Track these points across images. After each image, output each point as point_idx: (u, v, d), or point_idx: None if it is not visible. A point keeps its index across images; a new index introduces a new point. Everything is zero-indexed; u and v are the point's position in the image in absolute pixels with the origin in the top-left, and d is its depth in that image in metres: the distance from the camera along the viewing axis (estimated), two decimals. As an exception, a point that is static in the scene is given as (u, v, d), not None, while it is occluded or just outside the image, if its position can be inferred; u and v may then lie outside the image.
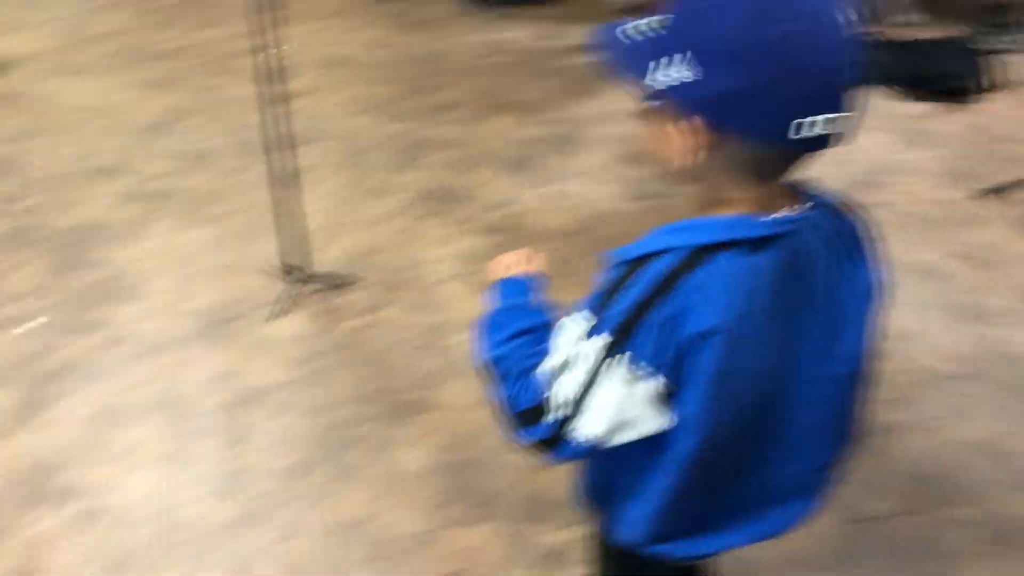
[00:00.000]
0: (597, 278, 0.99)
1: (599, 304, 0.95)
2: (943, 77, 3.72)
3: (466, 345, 2.39)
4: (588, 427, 0.97)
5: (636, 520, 1.11)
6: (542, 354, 1.05)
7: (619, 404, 0.95)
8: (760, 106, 0.85)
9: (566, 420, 0.99)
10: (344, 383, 2.26)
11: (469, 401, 2.23)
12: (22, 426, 2.10)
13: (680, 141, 0.90)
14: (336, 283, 2.55)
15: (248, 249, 2.68)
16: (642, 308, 0.92)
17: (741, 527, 1.11)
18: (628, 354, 0.93)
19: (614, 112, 3.54)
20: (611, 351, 0.94)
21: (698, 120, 0.87)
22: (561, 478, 2.02)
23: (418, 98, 3.53)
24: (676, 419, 0.98)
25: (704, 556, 1.16)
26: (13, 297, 2.46)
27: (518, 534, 1.91)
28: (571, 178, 3.12)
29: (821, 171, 0.99)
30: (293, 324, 2.43)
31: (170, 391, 2.21)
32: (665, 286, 0.91)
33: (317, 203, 2.87)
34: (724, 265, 0.90)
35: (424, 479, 2.02)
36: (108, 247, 2.67)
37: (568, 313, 1.01)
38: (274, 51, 2.25)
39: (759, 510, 1.08)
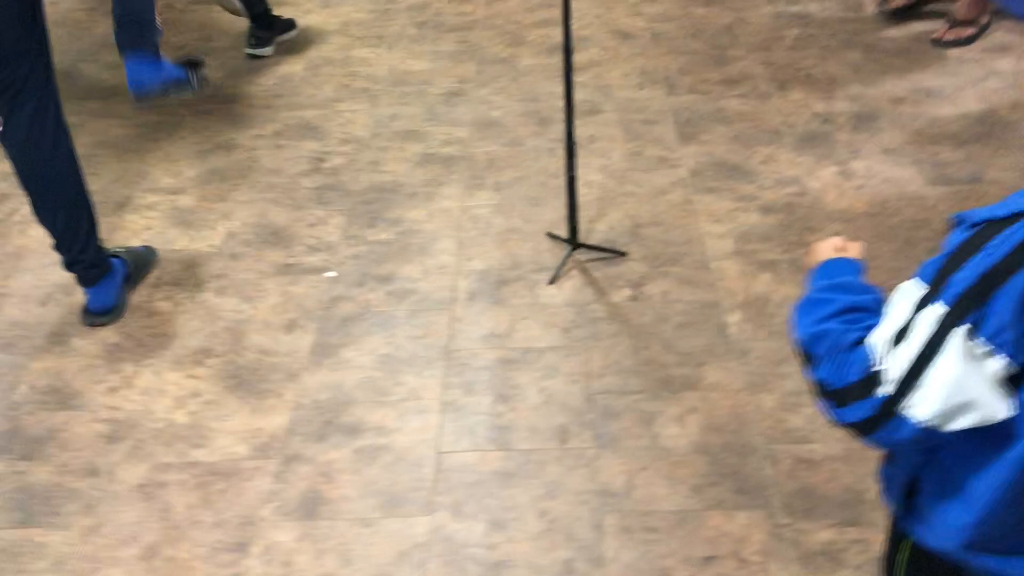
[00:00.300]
0: (944, 241, 0.92)
1: (942, 270, 0.88)
2: None
3: (739, 325, 2.32)
4: (921, 406, 0.90)
5: (953, 525, 1.01)
6: (870, 328, 1.00)
7: (957, 383, 0.88)
8: None
9: (894, 398, 0.92)
10: (611, 353, 2.26)
11: (738, 384, 2.16)
12: (316, 365, 2.30)
13: None
14: (611, 253, 2.56)
15: (530, 215, 2.75)
16: (996, 277, 0.85)
17: None
18: (972, 327, 0.86)
19: (917, 91, 3.26)
20: (952, 322, 0.86)
21: None
22: (837, 474, 1.92)
23: (704, 71, 3.44)
24: (1019, 408, 0.89)
25: None
26: (320, 247, 2.70)
27: (782, 527, 1.83)
28: (863, 159, 2.91)
29: None
30: (566, 291, 2.47)
31: (448, 344, 2.32)
32: (1013, 258, 0.84)
33: (595, 174, 2.89)
34: None
35: (686, 457, 1.99)
36: (401, 207, 2.84)
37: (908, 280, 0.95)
38: (566, 25, 2.28)
39: None
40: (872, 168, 2.87)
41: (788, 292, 2.40)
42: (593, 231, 2.65)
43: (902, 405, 0.91)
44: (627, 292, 2.45)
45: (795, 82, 3.35)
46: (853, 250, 1.17)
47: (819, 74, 3.39)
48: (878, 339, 0.96)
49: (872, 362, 0.95)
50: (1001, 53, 3.45)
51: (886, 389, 0.92)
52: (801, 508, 1.87)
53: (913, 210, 2.67)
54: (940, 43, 3.53)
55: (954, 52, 3.48)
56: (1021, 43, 3.51)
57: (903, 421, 0.92)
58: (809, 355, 1.06)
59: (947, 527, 1.01)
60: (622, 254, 2.57)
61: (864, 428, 0.96)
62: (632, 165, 2.95)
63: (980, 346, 0.87)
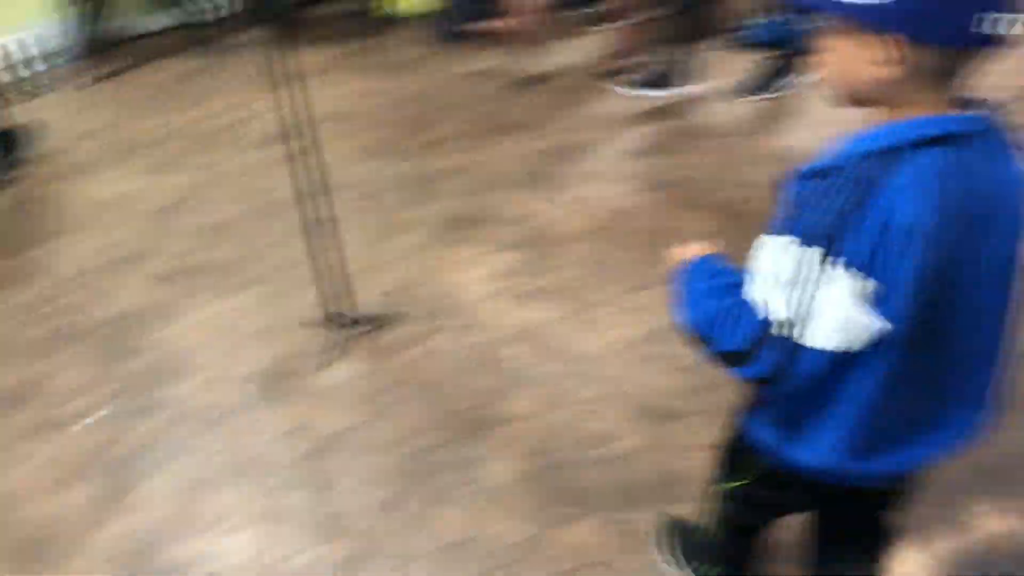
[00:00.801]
0: (785, 197, 1.06)
1: (799, 217, 1.02)
2: None
3: (518, 357, 2.43)
4: (818, 336, 1.03)
5: (826, 440, 1.14)
6: (742, 293, 1.13)
7: (843, 307, 1.01)
8: (949, 9, 0.96)
9: (792, 336, 1.04)
10: (413, 414, 2.29)
11: (536, 407, 2.26)
12: (112, 514, 2.12)
13: (875, 58, 1.00)
14: (380, 322, 2.59)
15: (287, 305, 2.72)
16: (848, 211, 0.98)
17: (928, 439, 1.16)
18: (843, 259, 0.99)
19: (607, 116, 3.62)
20: (822, 258, 1.00)
21: (896, 35, 0.98)
22: (647, 462, 2.07)
23: (419, 135, 3.59)
24: (886, 322, 1.03)
25: (891, 473, 1.21)
26: (70, 394, 2.49)
27: (621, 522, 1.94)
28: (584, 183, 3.18)
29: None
30: (348, 368, 2.46)
31: (245, 454, 2.24)
32: (868, 188, 0.98)
33: (346, 249, 2.92)
34: (921, 162, 0.99)
35: (515, 488, 2.05)
36: (151, 330, 2.70)
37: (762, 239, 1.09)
38: (270, 115, 2.31)
39: (943, 418, 1.12)
40: (595, 190, 3.13)
41: (551, 314, 2.56)
42: (356, 305, 2.67)
43: (804, 339, 1.03)
44: (408, 354, 2.49)
45: (502, 131, 3.59)
46: (703, 250, 1.30)
47: (522, 120, 3.66)
48: (758, 292, 1.08)
49: (760, 314, 1.06)
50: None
51: (782, 330, 1.04)
52: (628, 501, 1.99)
53: (639, 217, 2.95)
54: (602, 76, 3.93)
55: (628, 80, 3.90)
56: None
57: (809, 352, 1.03)
58: (705, 337, 1.16)
59: (823, 440, 1.15)
60: (391, 319, 2.61)
61: (776, 374, 1.07)
62: (376, 235, 3.01)
63: (853, 273, 0.99)
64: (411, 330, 2.57)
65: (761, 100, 3.60)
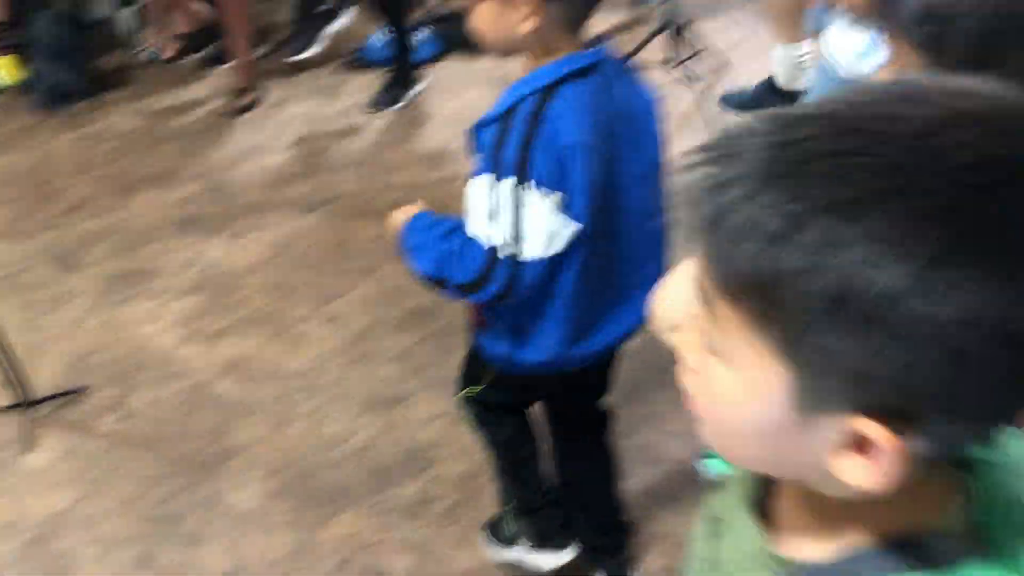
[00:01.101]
0: (478, 142, 1.28)
1: (493, 158, 1.20)
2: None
3: (232, 389, 2.42)
4: (532, 248, 1.24)
5: (553, 331, 1.35)
6: (463, 232, 1.31)
7: (544, 219, 1.22)
8: None
9: (514, 254, 1.24)
10: (136, 472, 2.19)
11: (265, 430, 2.28)
12: None
13: (517, 16, 1.21)
14: (69, 396, 2.43)
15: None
16: (526, 142, 1.20)
17: (620, 319, 1.40)
18: (532, 181, 1.19)
19: (247, 150, 3.64)
20: (519, 184, 1.20)
21: None
22: (386, 444, 2.18)
23: (50, 206, 3.35)
24: (575, 223, 1.26)
25: (602, 351, 1.44)
26: None
27: (380, 502, 2.04)
28: (243, 217, 3.18)
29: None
30: (49, 449, 2.29)
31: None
32: (535, 121, 1.21)
33: (7, 336, 2.68)
34: (570, 92, 1.22)
35: (267, 507, 2.06)
36: None
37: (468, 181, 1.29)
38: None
39: (628, 301, 1.37)
40: (256, 222, 3.15)
41: (252, 343, 2.56)
42: (39, 384, 2.47)
43: (521, 254, 1.24)
44: (111, 419, 2.37)
45: (143, 183, 3.46)
46: (415, 208, 1.45)
47: (154, 172, 3.55)
48: (477, 227, 1.27)
49: (484, 244, 1.26)
50: (279, 107, 4.00)
51: (505, 252, 1.24)
52: (381, 483, 2.09)
53: (303, 238, 3.02)
54: (229, 113, 3.94)
55: (246, 116, 3.93)
56: (292, 95, 4.10)
57: (528, 264, 1.25)
58: (441, 278, 1.34)
59: (549, 335, 1.35)
60: (82, 390, 2.46)
61: (506, 289, 1.27)
62: (36, 313, 2.79)
63: (542, 190, 1.22)
64: (106, 395, 2.44)
65: (393, 110, 3.83)
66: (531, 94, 1.24)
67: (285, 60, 4.08)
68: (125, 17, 4.85)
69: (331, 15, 3.75)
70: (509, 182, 1.23)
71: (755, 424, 0.54)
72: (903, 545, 0.55)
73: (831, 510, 0.58)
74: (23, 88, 4.23)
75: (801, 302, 0.47)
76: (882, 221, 0.45)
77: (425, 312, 2.59)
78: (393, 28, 3.79)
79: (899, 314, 0.45)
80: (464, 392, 1.62)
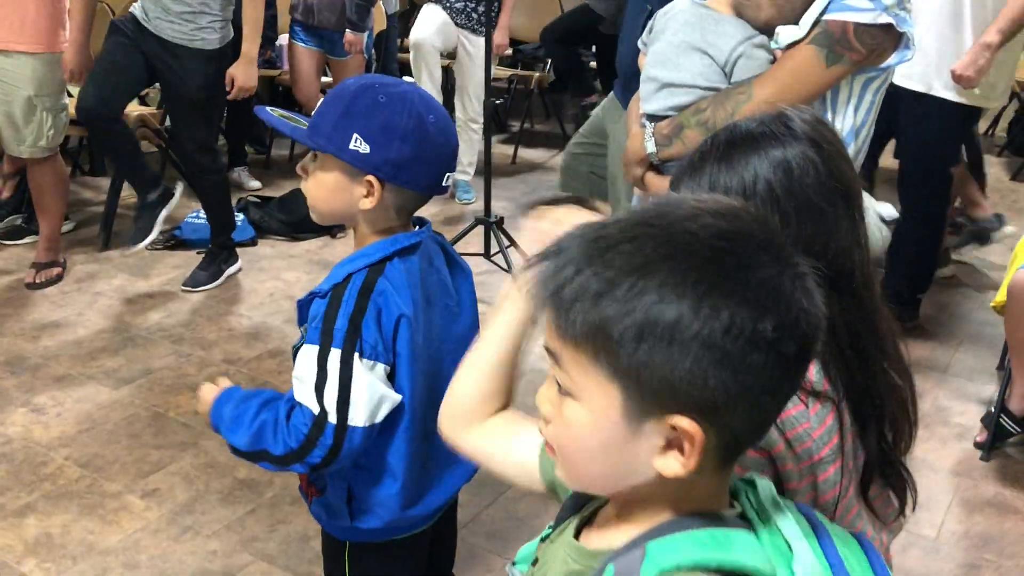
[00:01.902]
0: (307, 314, 1.36)
1: (323, 328, 1.29)
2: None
3: (40, 568, 2.25)
4: (358, 416, 1.30)
5: (388, 497, 1.41)
6: (288, 401, 1.33)
7: (369, 389, 1.30)
8: (424, 168, 1.34)
9: (340, 421, 1.29)
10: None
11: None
12: None
13: (359, 192, 1.33)
14: None
15: None
16: (356, 315, 1.30)
17: (452, 476, 1.49)
18: (360, 351, 1.29)
19: (50, 323, 3.51)
20: (349, 354, 1.29)
21: (373, 178, 1.32)
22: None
23: None
24: (400, 392, 1.35)
25: (438, 508, 1.50)
26: None
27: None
28: (42, 391, 3.04)
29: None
30: None
31: None
32: (364, 294, 1.31)
33: None
34: (396, 268, 1.35)
35: None
36: None
37: (297, 348, 1.36)
38: None
39: (457, 461, 1.43)
40: (57, 396, 3.01)
41: (63, 519, 2.41)
42: None
43: (347, 422, 1.30)
44: None
45: (-78, 356, 3.23)
46: (223, 384, 1.46)
47: (-59, 342, 3.34)
48: (303, 394, 1.32)
49: (312, 411, 1.31)
50: (87, 281, 3.91)
51: (331, 419, 1.30)
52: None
53: (116, 411, 2.92)
54: (34, 286, 3.81)
55: (51, 290, 3.81)
56: (101, 269, 4.03)
57: (353, 431, 1.31)
58: (260, 451, 1.36)
59: (384, 502, 1.42)
60: None
61: (331, 455, 1.32)
62: None
63: (368, 361, 1.31)
64: None
65: (209, 288, 3.83)
66: (362, 269, 1.34)
67: (127, 251, 3.98)
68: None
69: (166, 197, 3.77)
70: (337, 352, 1.29)
71: (600, 442, 0.74)
72: (698, 515, 0.75)
73: (638, 504, 0.78)
74: None
75: (620, 337, 0.69)
76: (666, 274, 0.68)
77: (252, 484, 2.56)
78: (212, 209, 3.86)
79: (684, 334, 0.67)
80: None
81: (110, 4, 5.14)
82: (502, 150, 5.95)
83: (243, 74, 3.58)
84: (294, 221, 4.37)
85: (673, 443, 0.72)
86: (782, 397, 0.74)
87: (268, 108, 1.46)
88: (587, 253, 0.71)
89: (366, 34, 4.81)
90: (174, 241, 4.22)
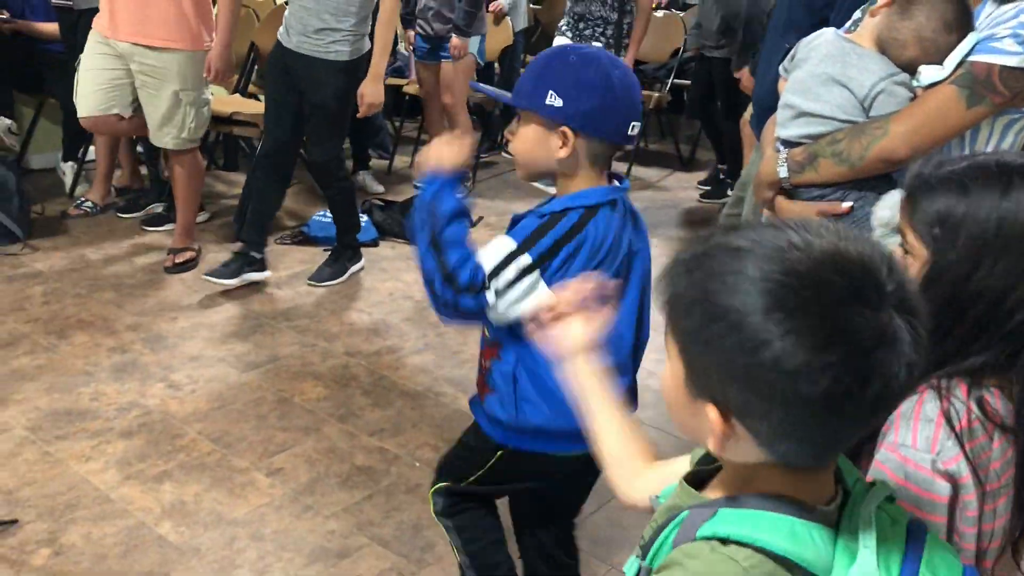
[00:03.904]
0: (515, 226, 1.55)
1: (533, 235, 1.50)
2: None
3: (175, 532, 2.42)
4: (506, 309, 1.50)
5: (548, 393, 1.55)
6: (472, 246, 1.52)
7: (524, 293, 1.49)
8: (610, 118, 1.52)
9: (493, 299, 1.50)
10: (73, 608, 2.15)
11: (210, 569, 2.28)
12: None
13: (555, 143, 1.52)
14: None
15: None
16: (561, 241, 1.50)
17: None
18: (542, 269, 1.49)
19: (185, 306, 3.74)
20: (534, 267, 1.49)
21: (567, 128, 1.51)
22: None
23: (-22, 340, 3.33)
24: None
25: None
26: None
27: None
28: (183, 368, 3.25)
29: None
30: (-24, 579, 2.22)
31: None
32: (576, 230, 1.51)
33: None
34: (603, 216, 1.54)
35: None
36: None
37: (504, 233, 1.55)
38: None
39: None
40: (192, 374, 3.21)
41: (194, 488, 2.59)
42: (-33, 514, 2.41)
43: (495, 302, 1.50)
44: (41, 555, 2.32)
45: (72, 329, 3.49)
46: (452, 153, 1.57)
47: (89, 317, 3.59)
48: (486, 262, 1.50)
49: (481, 275, 1.48)
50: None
51: (490, 296, 1.49)
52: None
53: (244, 393, 3.10)
54: (171, 269, 4.06)
55: (187, 274, 4.06)
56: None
57: (489, 309, 1.51)
58: (438, 245, 1.51)
59: (546, 398, 1.56)
60: (12, 522, 2.41)
61: (473, 313, 1.51)
62: (-39, 443, 2.74)
63: (541, 285, 1.48)
64: (42, 526, 2.41)
65: (333, 284, 4.02)
66: (579, 207, 1.53)
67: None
68: (67, 169, 4.99)
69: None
70: (528, 259, 1.49)
71: (675, 400, 0.84)
72: (787, 500, 0.80)
73: (740, 473, 0.85)
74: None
75: (687, 314, 0.78)
76: (750, 283, 0.74)
77: (370, 471, 2.69)
78: (339, 212, 4.05)
79: (741, 339, 0.73)
80: (446, 484, 1.77)
81: (255, 8, 5.44)
82: (616, 167, 6.01)
83: (372, 91, 3.75)
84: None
85: (712, 424, 0.79)
86: (847, 431, 0.78)
87: (480, 84, 1.76)
88: (711, 244, 0.79)
89: (477, 39, 4.96)
90: (302, 237, 4.43)
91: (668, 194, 5.82)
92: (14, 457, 2.70)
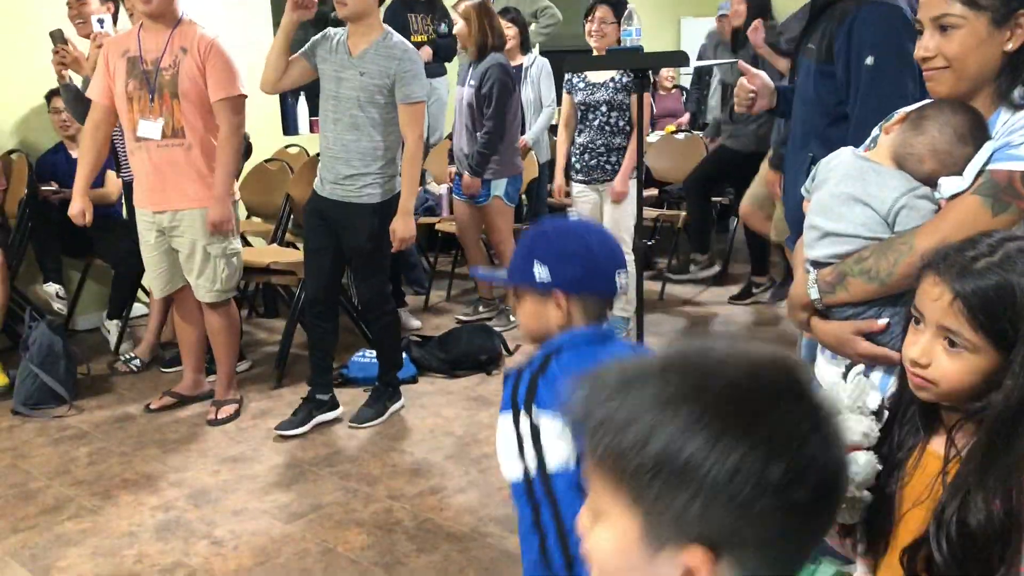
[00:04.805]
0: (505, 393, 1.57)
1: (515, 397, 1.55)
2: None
3: None
4: (552, 464, 1.51)
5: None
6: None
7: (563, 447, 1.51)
8: (597, 278, 1.63)
9: (537, 478, 1.52)
10: None
11: None
12: None
13: (554, 310, 1.63)
14: None
15: None
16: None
17: None
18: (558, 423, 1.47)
19: (228, 457, 3.73)
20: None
21: (559, 294, 1.61)
22: None
23: (18, 510, 3.33)
24: None
25: None
26: None
27: None
28: (222, 524, 3.22)
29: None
30: None
31: None
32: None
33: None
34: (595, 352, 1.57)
35: None
36: None
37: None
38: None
39: None
40: (235, 529, 3.18)
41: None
42: None
43: (546, 472, 1.49)
44: None
45: (116, 489, 3.49)
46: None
47: (133, 476, 3.60)
48: (505, 468, 1.54)
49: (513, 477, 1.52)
50: (260, 418, 4.16)
51: (529, 477, 1.51)
52: None
53: (288, 546, 3.06)
54: (215, 422, 4.08)
55: (229, 425, 4.07)
56: (275, 406, 4.28)
57: (554, 479, 1.49)
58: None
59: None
60: None
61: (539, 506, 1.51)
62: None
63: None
64: None
65: (374, 425, 4.01)
66: (575, 345, 1.60)
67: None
68: (112, 327, 5.10)
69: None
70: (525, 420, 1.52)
71: (622, 564, 0.77)
72: None
73: None
74: (5, 392, 4.35)
75: (637, 469, 0.73)
76: (686, 413, 0.72)
77: (418, 623, 2.61)
78: (384, 348, 4.07)
79: (695, 473, 0.71)
80: None
81: (289, 161, 5.64)
82: (649, 286, 6.03)
83: (403, 227, 3.83)
84: (452, 359, 4.55)
85: (689, 573, 0.74)
86: (807, 539, 0.77)
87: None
88: (620, 383, 0.76)
89: (503, 181, 5.09)
90: (341, 379, 4.45)
91: (703, 308, 5.81)
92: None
